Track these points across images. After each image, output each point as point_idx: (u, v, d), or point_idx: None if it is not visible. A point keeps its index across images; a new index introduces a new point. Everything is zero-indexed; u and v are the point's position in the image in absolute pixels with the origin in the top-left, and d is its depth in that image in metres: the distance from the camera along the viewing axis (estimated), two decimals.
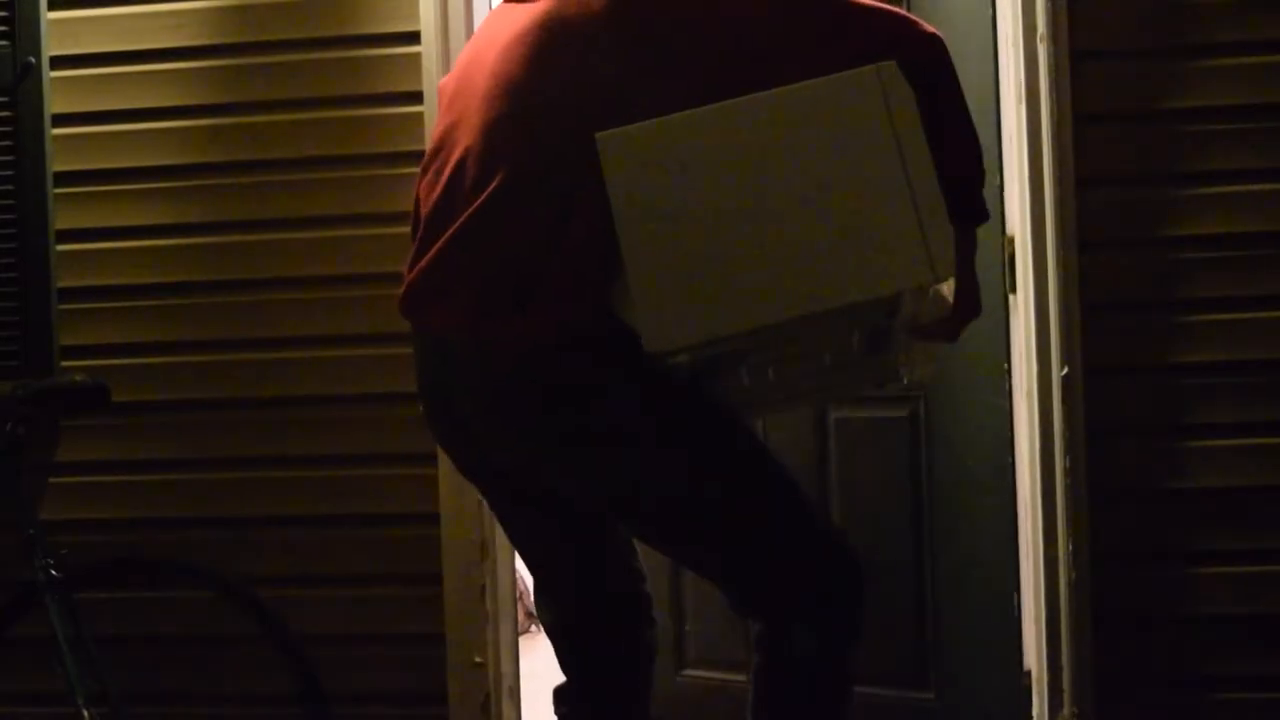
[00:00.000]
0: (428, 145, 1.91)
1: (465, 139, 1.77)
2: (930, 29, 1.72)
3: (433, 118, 2.55)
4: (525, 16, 1.77)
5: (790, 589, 1.73)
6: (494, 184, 1.71)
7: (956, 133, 1.72)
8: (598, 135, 1.64)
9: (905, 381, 1.98)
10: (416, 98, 2.62)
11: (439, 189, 1.79)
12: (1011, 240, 2.52)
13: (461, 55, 1.94)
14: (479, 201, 1.72)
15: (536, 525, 1.94)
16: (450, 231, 1.74)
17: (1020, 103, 2.47)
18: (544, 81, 1.72)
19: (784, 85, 1.67)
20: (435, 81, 2.59)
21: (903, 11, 1.76)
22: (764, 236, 1.66)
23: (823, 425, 2.73)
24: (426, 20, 2.61)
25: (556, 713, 2.08)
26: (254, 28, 2.69)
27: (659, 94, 1.69)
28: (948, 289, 1.73)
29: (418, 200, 1.88)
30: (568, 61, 1.72)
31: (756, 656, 1.77)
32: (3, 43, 2.71)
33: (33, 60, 2.70)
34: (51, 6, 2.72)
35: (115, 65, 2.72)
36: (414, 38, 2.63)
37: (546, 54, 1.73)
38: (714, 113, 1.69)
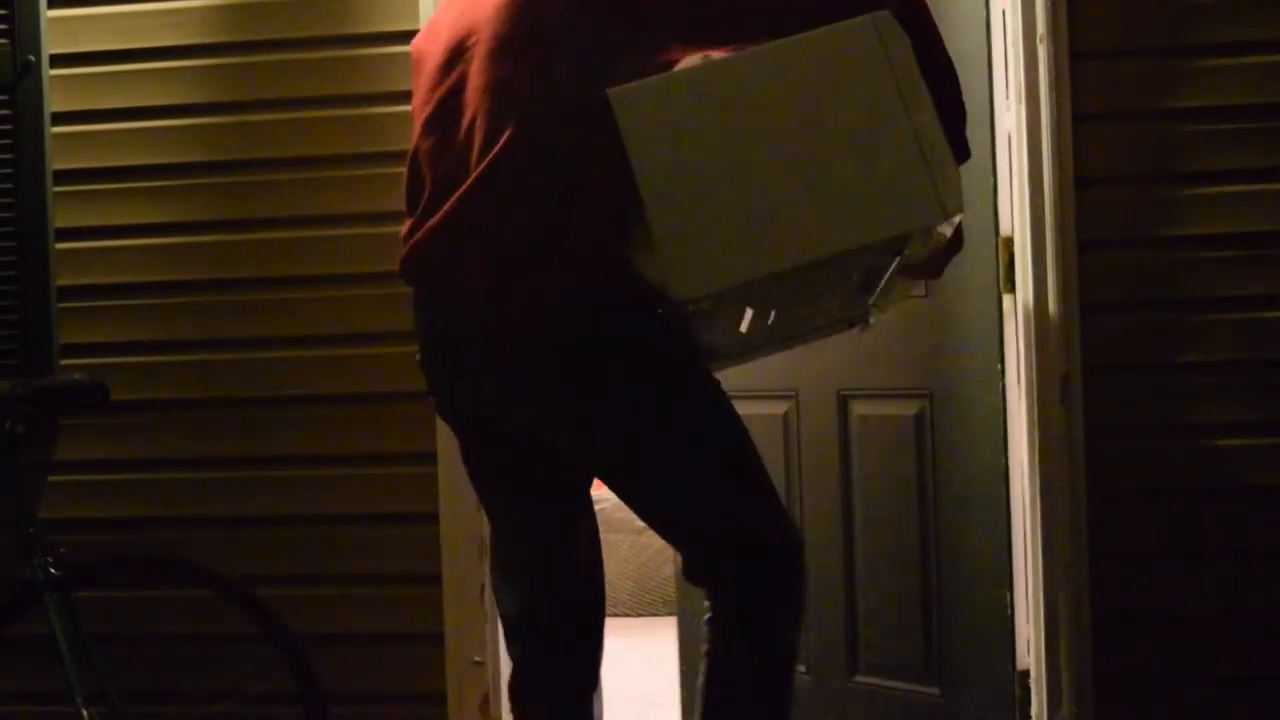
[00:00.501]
0: (417, 110, 1.90)
1: (473, 100, 1.78)
2: None
3: None
4: None
5: (748, 556, 1.81)
6: (503, 140, 1.72)
7: (941, 76, 1.77)
8: (609, 92, 1.67)
9: (871, 322, 2.09)
10: None
11: (450, 152, 1.80)
12: (1008, 241, 2.52)
13: (437, 16, 1.96)
14: (490, 157, 1.73)
15: (520, 496, 1.96)
16: (461, 191, 1.75)
17: (1020, 103, 2.47)
18: (546, 35, 1.74)
19: (768, 30, 1.73)
20: None
21: None
22: (782, 183, 1.71)
23: (845, 419, 2.76)
24: (426, 19, 2.61)
25: (511, 709, 2.07)
26: (253, 26, 2.69)
27: (643, 43, 1.75)
28: (946, 226, 1.77)
29: (418, 163, 1.87)
30: (553, 8, 1.74)
31: (709, 622, 1.84)
32: (2, 41, 2.71)
33: (32, 58, 2.69)
34: (51, 5, 2.72)
35: (115, 63, 2.72)
36: (413, 37, 2.62)
37: (531, 6, 1.75)
38: (722, 65, 1.77)
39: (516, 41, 1.76)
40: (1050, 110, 2.43)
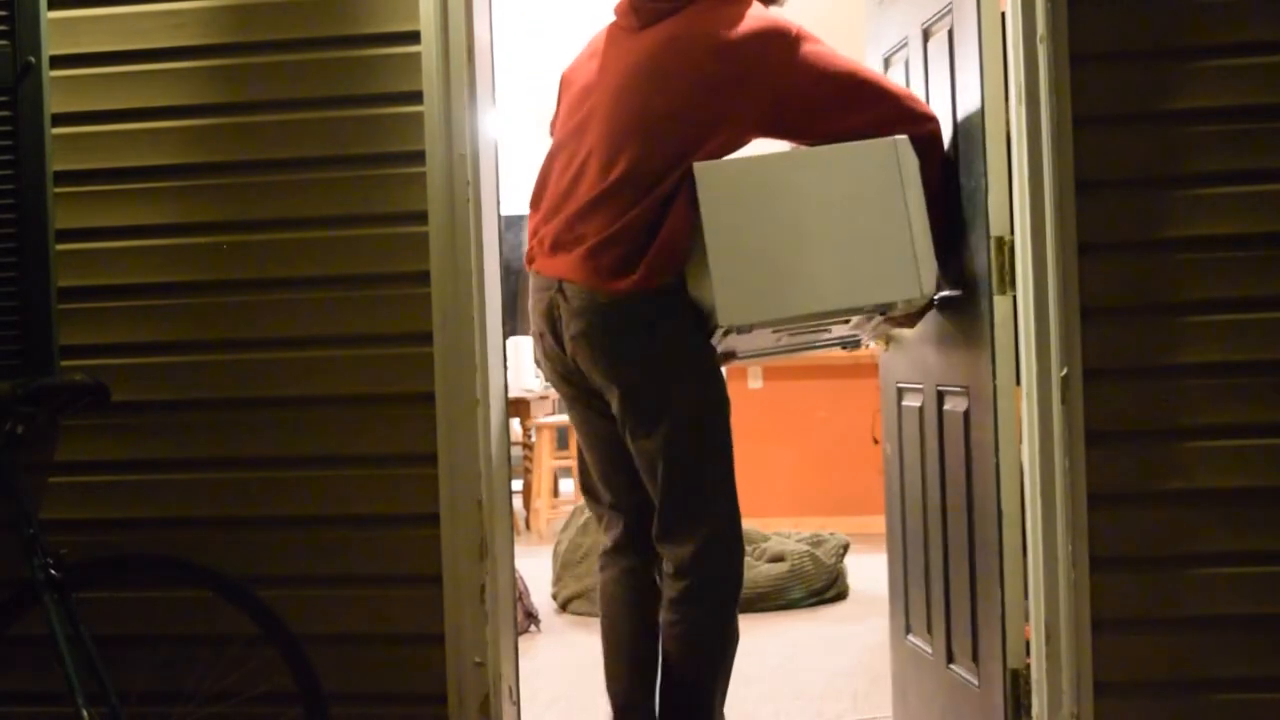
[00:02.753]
0: (555, 130, 2.58)
1: (591, 138, 2.44)
2: (930, 112, 2.47)
3: (432, 117, 2.60)
4: (641, 46, 2.45)
5: (712, 535, 2.43)
6: (614, 174, 2.37)
7: (938, 189, 2.45)
8: (695, 165, 2.34)
9: (861, 347, 2.91)
10: (416, 98, 2.62)
11: (571, 171, 2.46)
12: (999, 240, 2.51)
13: (583, 59, 2.61)
14: (602, 188, 2.38)
15: (600, 427, 2.57)
16: (575, 207, 2.42)
17: (1020, 104, 2.47)
18: (656, 105, 2.39)
19: (825, 137, 2.42)
20: (435, 81, 2.60)
21: (912, 96, 2.50)
22: (808, 252, 2.37)
23: (940, 410, 2.81)
24: (426, 20, 2.61)
25: (602, 569, 2.68)
26: (254, 27, 2.69)
27: (731, 133, 2.41)
28: (922, 299, 2.41)
29: (545, 179, 2.54)
30: (670, 99, 2.39)
31: (666, 589, 2.47)
32: (3, 42, 2.71)
33: (33, 59, 2.69)
34: (52, 6, 2.72)
35: (115, 64, 2.73)
36: (414, 37, 2.63)
37: (659, 82, 2.40)
38: (781, 158, 2.49)
39: (633, 104, 2.41)
40: (1050, 112, 2.43)
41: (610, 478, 2.62)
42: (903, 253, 2.35)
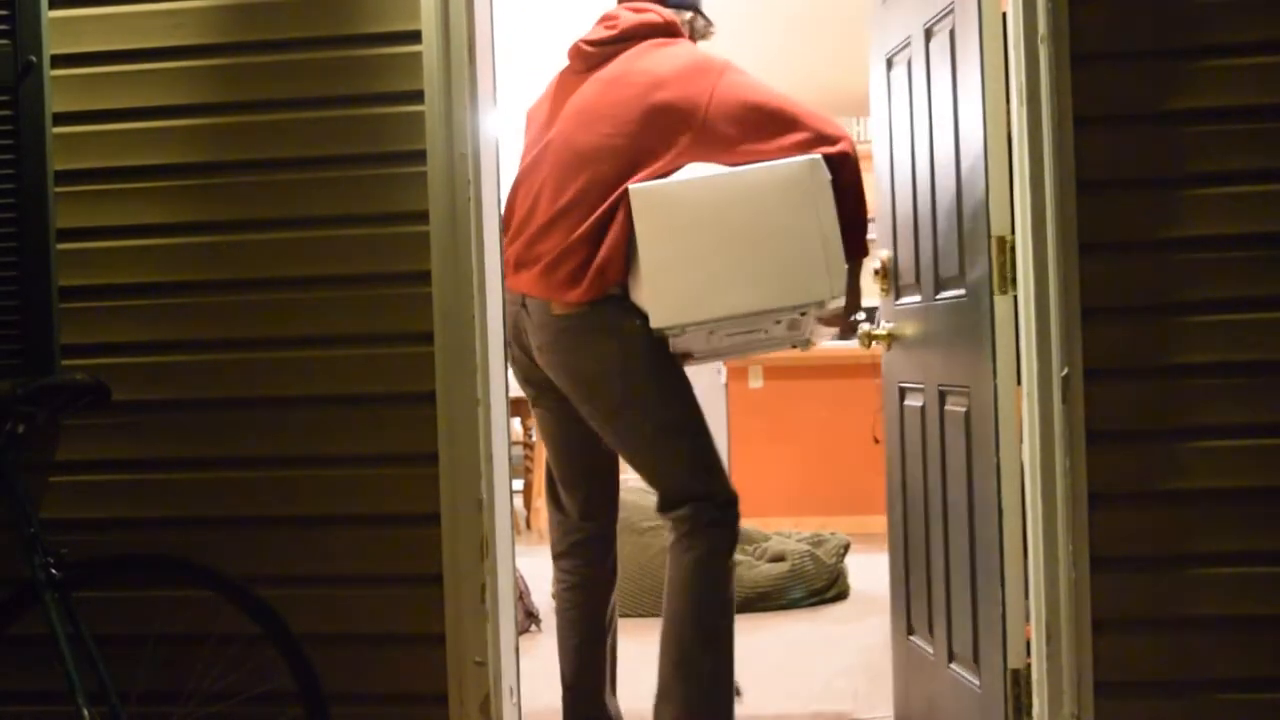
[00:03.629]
0: (520, 164, 2.92)
1: (545, 169, 2.81)
2: (842, 133, 2.74)
3: (433, 116, 2.61)
4: (588, 88, 2.83)
5: (704, 495, 2.77)
6: (564, 200, 2.75)
7: (852, 202, 2.72)
8: (630, 187, 2.69)
9: (809, 347, 3.15)
10: (417, 97, 2.62)
11: (529, 199, 2.83)
12: (1000, 240, 2.52)
13: (542, 99, 2.97)
14: (552, 213, 2.76)
15: (564, 426, 2.95)
16: (531, 229, 2.79)
17: (1020, 104, 2.47)
18: (600, 138, 2.75)
19: (749, 158, 2.70)
20: (436, 81, 2.60)
21: (825, 119, 2.77)
22: (732, 261, 2.67)
23: (941, 410, 2.84)
24: (427, 19, 2.61)
25: (556, 571, 3.08)
26: (254, 27, 2.69)
27: (665, 159, 2.73)
28: (834, 302, 2.68)
29: (511, 207, 2.91)
30: (611, 132, 2.74)
31: (672, 546, 2.80)
32: (3, 41, 2.71)
33: (34, 59, 2.70)
34: (52, 5, 2.72)
35: (116, 64, 2.73)
36: (415, 37, 2.63)
37: (603, 119, 2.76)
38: (705, 179, 2.71)
39: (577, 143, 2.77)
40: (1051, 111, 2.43)
41: (568, 478, 3.02)
42: (814, 261, 2.65)
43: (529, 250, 2.79)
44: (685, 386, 2.81)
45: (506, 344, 2.81)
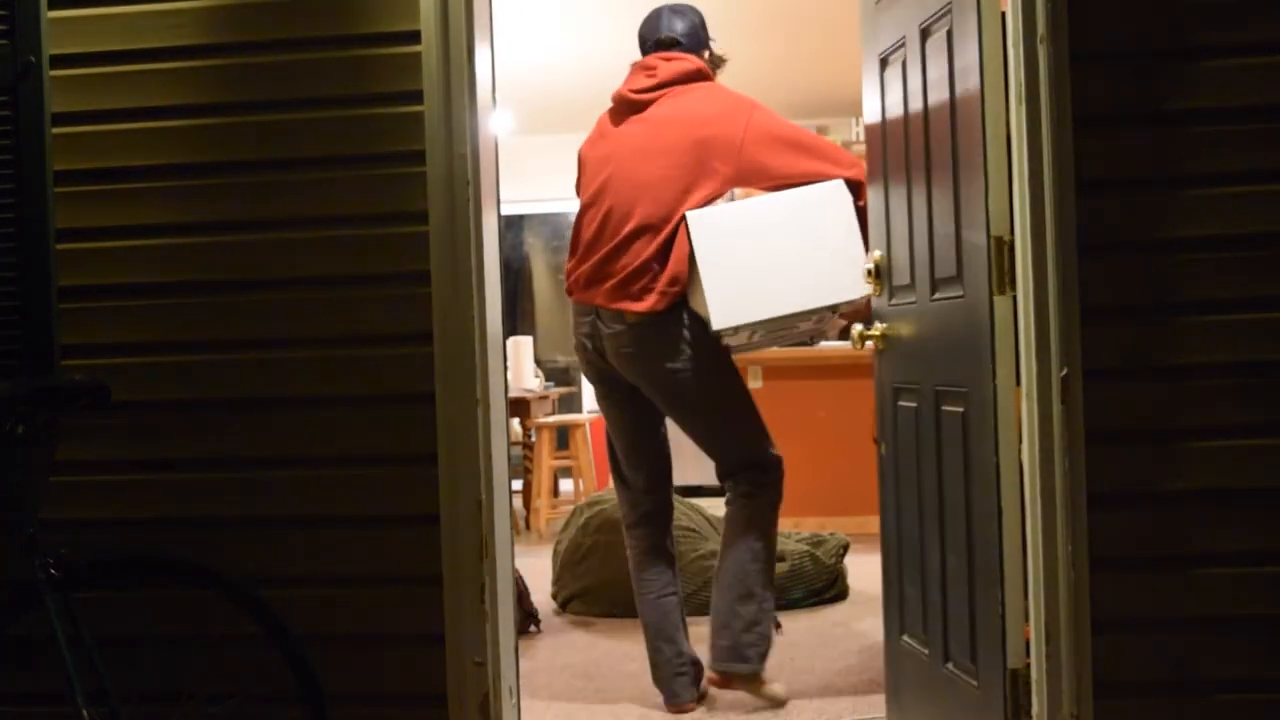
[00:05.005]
0: (582, 196, 3.52)
1: (609, 200, 3.40)
2: (855, 159, 3.37)
3: (433, 116, 2.61)
4: (638, 129, 3.42)
5: (757, 463, 3.44)
6: (629, 226, 3.34)
7: (864, 216, 3.23)
8: (687, 214, 3.29)
9: (817, 342, 3.83)
10: (416, 97, 2.62)
11: (595, 225, 3.42)
12: (999, 240, 2.52)
13: (594, 138, 3.56)
14: (620, 237, 3.35)
15: (630, 417, 3.54)
16: (601, 252, 3.39)
17: (1020, 104, 2.47)
18: (655, 173, 3.34)
19: (779, 182, 3.37)
20: (435, 81, 2.61)
21: (839, 148, 3.48)
22: (775, 269, 3.25)
23: (938, 412, 2.82)
24: (427, 19, 2.61)
25: (631, 535, 3.61)
26: (254, 27, 2.69)
27: (711, 185, 3.34)
28: (860, 300, 3.23)
29: (577, 233, 3.50)
30: (665, 164, 3.34)
31: (731, 503, 3.47)
32: (2, 41, 2.71)
33: (33, 59, 2.69)
34: (52, 5, 2.72)
35: (115, 64, 2.73)
36: (414, 37, 2.63)
37: (656, 156, 3.36)
38: (750, 203, 3.41)
39: (637, 174, 3.36)
40: (1050, 111, 2.43)
41: (635, 460, 3.55)
42: (844, 267, 3.23)
43: (601, 269, 3.37)
44: (736, 374, 3.47)
45: (581, 348, 3.52)
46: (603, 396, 3.55)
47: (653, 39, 3.52)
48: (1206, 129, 2.43)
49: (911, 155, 2.91)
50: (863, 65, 3.21)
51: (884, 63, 3.06)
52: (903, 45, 2.93)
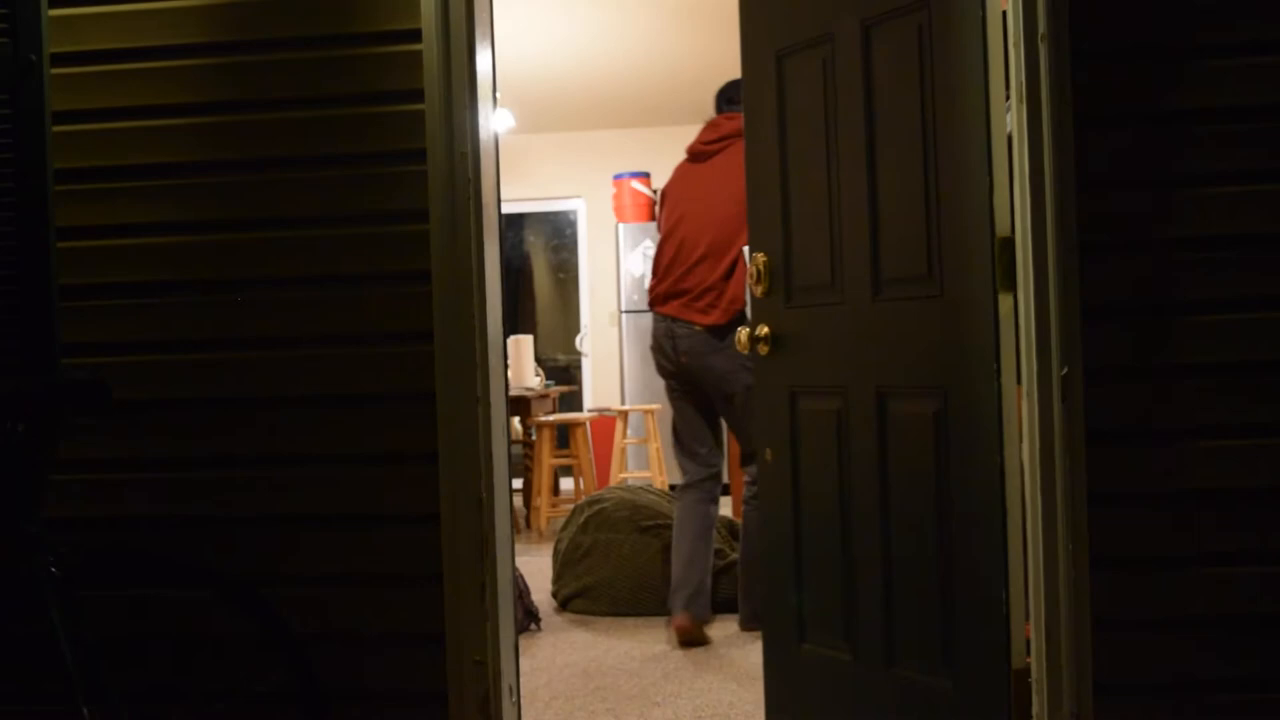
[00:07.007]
0: (662, 228, 4.51)
1: (684, 230, 4.39)
2: None
3: (433, 115, 2.60)
4: (707, 174, 4.41)
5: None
6: (699, 252, 4.32)
7: None
8: (745, 248, 4.01)
9: None
10: (416, 96, 2.62)
11: (671, 251, 4.41)
12: (1005, 240, 2.52)
13: (674, 179, 4.58)
14: (692, 261, 4.33)
15: (695, 405, 4.46)
16: (676, 273, 4.36)
17: (1020, 104, 2.47)
18: (721, 210, 4.30)
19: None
20: (436, 80, 2.60)
21: None
22: None
23: (882, 414, 2.81)
24: (427, 18, 2.61)
25: (685, 497, 4.48)
26: (254, 26, 2.69)
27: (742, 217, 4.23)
28: None
29: (659, 256, 4.46)
30: (727, 202, 4.29)
31: (747, 490, 4.40)
32: (3, 40, 2.71)
33: (33, 57, 2.69)
34: (52, 4, 2.72)
35: (115, 63, 2.73)
36: (414, 36, 2.63)
37: (721, 196, 4.32)
38: None
39: (704, 211, 4.35)
40: (1051, 111, 2.43)
41: (699, 437, 4.48)
42: None
43: (676, 286, 4.35)
44: None
45: (657, 349, 4.48)
46: (672, 389, 4.48)
47: (722, 100, 4.54)
48: (1206, 129, 2.43)
49: (843, 159, 2.87)
50: (747, 59, 3.16)
51: (781, 59, 3.03)
52: (826, 41, 2.89)
